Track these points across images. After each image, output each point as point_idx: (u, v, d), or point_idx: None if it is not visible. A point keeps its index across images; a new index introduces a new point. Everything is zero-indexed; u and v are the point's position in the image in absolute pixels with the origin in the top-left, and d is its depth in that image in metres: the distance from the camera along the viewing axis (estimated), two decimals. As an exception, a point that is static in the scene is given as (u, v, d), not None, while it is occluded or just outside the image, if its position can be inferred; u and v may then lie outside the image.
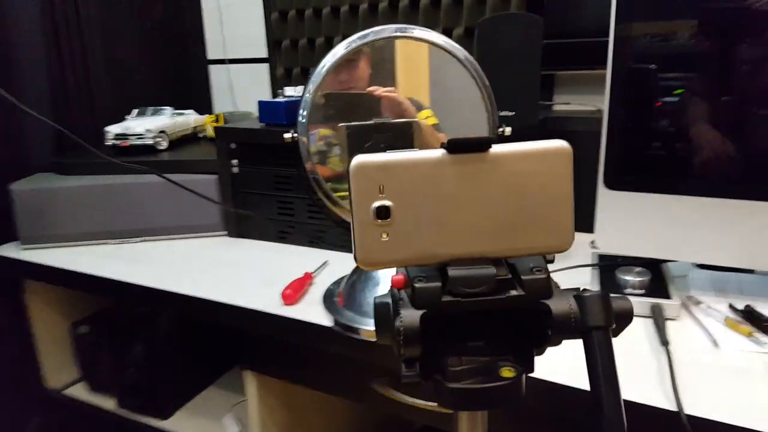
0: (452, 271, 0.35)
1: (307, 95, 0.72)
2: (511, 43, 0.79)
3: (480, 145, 0.35)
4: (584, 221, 0.82)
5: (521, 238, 0.36)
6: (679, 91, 0.71)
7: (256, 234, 1.13)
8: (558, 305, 0.35)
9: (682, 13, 0.70)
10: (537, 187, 0.35)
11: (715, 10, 0.68)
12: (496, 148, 0.35)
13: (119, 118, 1.31)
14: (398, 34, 0.69)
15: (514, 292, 0.35)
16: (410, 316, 0.34)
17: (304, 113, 0.72)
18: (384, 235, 0.35)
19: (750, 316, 0.71)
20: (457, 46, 0.69)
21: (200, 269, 0.99)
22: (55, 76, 1.32)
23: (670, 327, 0.70)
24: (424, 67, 0.72)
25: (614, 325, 0.35)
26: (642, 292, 0.75)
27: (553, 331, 0.35)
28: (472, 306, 0.35)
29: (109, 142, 1.23)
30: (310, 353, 0.85)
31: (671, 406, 0.56)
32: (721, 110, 0.71)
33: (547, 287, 0.35)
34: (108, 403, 1.23)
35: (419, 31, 0.70)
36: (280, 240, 1.10)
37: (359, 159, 0.35)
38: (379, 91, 0.72)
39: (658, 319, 0.70)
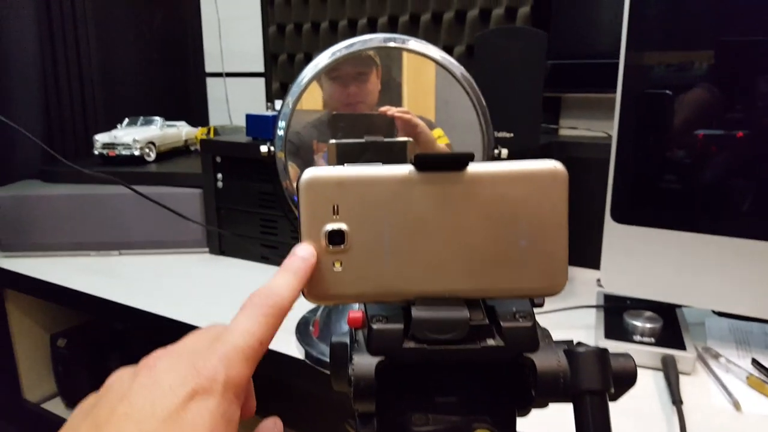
0: (416, 312, 0.29)
1: (287, 108, 0.66)
2: (512, 58, 0.74)
3: (454, 163, 0.29)
4: (592, 256, 0.77)
5: (503, 276, 0.29)
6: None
7: (239, 252, 1.06)
8: (544, 361, 0.29)
9: (697, 44, 0.64)
10: (524, 216, 0.29)
11: (733, 43, 0.63)
12: (475, 167, 0.29)
13: (111, 127, 1.27)
14: (387, 44, 0.63)
15: (491, 342, 0.29)
16: (364, 363, 0.28)
17: (283, 125, 0.66)
18: (337, 265, 0.29)
19: (776, 375, 0.62)
20: (453, 60, 0.63)
21: (177, 288, 0.94)
22: (49, 83, 1.30)
23: (684, 382, 0.62)
24: (430, 82, 0.66)
25: (612, 389, 0.29)
26: (652, 340, 0.68)
27: (537, 392, 0.28)
28: (438, 355, 0.29)
29: (97, 151, 1.20)
30: (282, 387, 0.79)
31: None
32: (741, 146, 0.64)
33: (532, 338, 0.29)
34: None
35: (412, 43, 0.64)
36: (263, 260, 1.04)
37: (311, 172, 0.29)
38: (392, 110, 0.65)
39: (670, 374, 0.62)
